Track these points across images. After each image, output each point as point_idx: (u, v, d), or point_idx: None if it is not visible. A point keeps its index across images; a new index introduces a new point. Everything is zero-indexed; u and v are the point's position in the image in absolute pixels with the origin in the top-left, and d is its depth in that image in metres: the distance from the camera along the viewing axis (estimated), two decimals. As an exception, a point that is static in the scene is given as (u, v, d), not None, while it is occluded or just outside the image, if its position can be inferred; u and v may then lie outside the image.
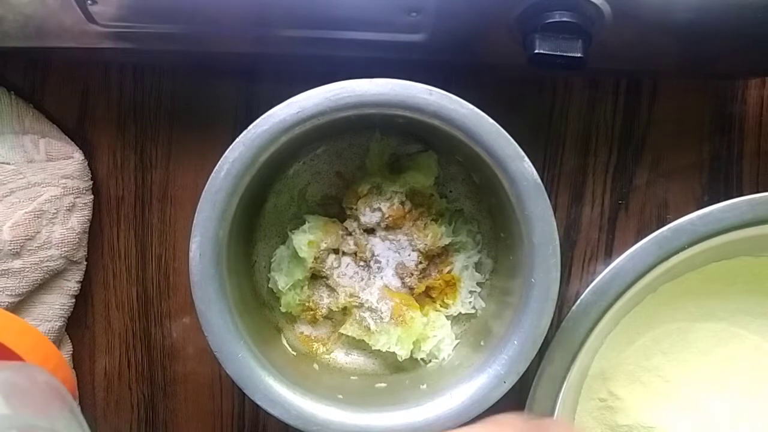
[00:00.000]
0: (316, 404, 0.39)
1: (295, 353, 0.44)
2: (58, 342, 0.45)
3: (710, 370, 0.44)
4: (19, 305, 0.43)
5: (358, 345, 0.45)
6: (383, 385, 0.43)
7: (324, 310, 0.44)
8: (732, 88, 0.46)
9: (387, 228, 0.43)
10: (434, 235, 0.43)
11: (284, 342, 0.45)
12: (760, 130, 0.46)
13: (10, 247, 0.41)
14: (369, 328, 0.43)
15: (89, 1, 0.36)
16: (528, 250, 0.38)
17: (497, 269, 0.45)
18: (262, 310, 0.45)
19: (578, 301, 0.40)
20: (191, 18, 0.37)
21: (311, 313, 0.44)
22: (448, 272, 0.44)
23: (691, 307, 0.44)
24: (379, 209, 0.42)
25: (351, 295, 0.43)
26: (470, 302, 0.44)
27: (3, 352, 0.35)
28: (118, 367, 0.47)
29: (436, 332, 0.43)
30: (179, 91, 0.45)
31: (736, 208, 0.39)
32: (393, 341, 0.43)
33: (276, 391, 0.38)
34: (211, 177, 0.37)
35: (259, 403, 0.38)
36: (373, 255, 0.43)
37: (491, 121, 0.37)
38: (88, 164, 0.45)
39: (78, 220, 0.44)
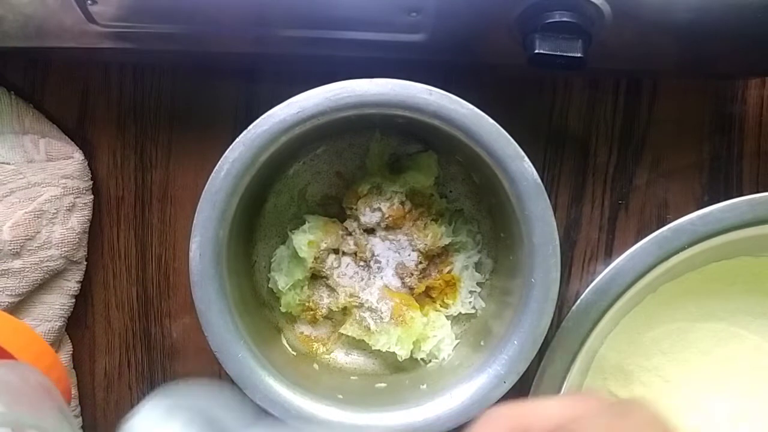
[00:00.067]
0: (316, 404, 0.39)
1: (295, 353, 0.44)
2: (58, 342, 0.45)
3: (710, 370, 0.44)
4: (19, 305, 0.43)
5: (358, 345, 0.45)
6: (383, 385, 0.43)
7: (324, 310, 0.44)
8: (732, 88, 0.46)
9: (387, 228, 0.43)
10: (434, 235, 0.43)
11: (284, 342, 0.45)
12: (760, 130, 0.46)
13: (10, 247, 0.41)
14: (369, 328, 0.43)
15: (89, 1, 0.36)
16: (528, 250, 0.38)
17: (497, 269, 0.45)
18: (262, 310, 0.45)
19: (578, 301, 0.40)
20: (191, 18, 0.37)
21: (311, 313, 0.44)
22: (448, 272, 0.44)
23: (691, 307, 0.44)
24: (379, 209, 0.42)
25: (351, 295, 0.43)
26: (470, 302, 0.44)
27: None
28: (118, 367, 0.47)
29: (436, 332, 0.43)
30: (179, 91, 0.45)
31: (736, 208, 0.39)
32: (393, 341, 0.43)
33: (276, 391, 0.38)
34: (211, 177, 0.37)
35: (259, 403, 0.38)
36: (373, 255, 0.43)
37: (491, 121, 0.37)
38: (88, 164, 0.45)
39: (78, 220, 0.44)
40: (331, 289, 0.44)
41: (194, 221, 0.37)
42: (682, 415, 0.44)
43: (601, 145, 0.46)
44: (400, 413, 0.39)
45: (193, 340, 0.47)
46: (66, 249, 0.43)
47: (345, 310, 0.44)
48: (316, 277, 0.44)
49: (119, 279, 0.47)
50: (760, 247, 0.42)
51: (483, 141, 0.37)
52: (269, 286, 0.44)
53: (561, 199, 0.46)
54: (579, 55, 0.34)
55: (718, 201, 0.40)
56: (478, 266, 0.45)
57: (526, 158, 0.37)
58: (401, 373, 0.44)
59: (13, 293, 0.42)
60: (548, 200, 0.37)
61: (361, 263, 0.43)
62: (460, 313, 0.44)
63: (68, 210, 0.44)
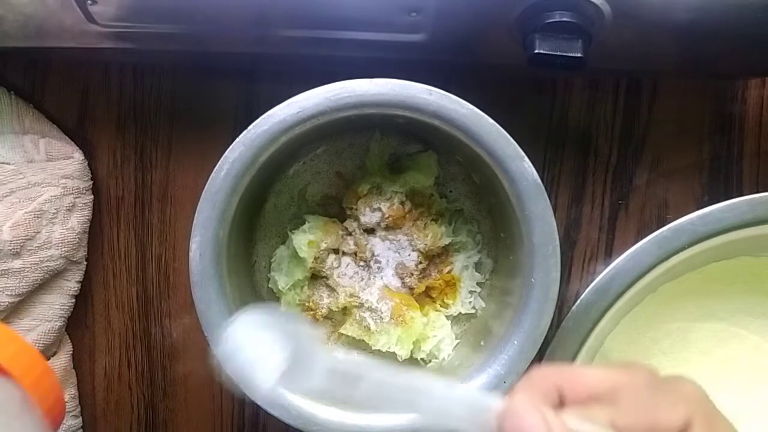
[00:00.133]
0: (316, 404, 0.39)
1: (295, 353, 0.44)
2: (57, 342, 0.45)
3: (710, 370, 0.44)
4: (19, 305, 0.43)
5: (358, 345, 0.45)
6: (383, 385, 0.43)
7: (324, 310, 0.44)
8: (732, 88, 0.46)
9: (387, 228, 0.43)
10: (434, 235, 0.43)
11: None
12: (760, 130, 0.46)
13: (10, 247, 0.41)
14: (369, 328, 0.43)
15: (89, 1, 0.36)
16: (528, 250, 0.38)
17: (497, 269, 0.45)
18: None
19: (578, 301, 0.40)
20: (191, 18, 0.37)
21: (311, 313, 0.44)
22: (448, 272, 0.44)
23: (691, 307, 0.44)
24: (379, 209, 0.42)
25: (351, 295, 0.43)
26: (470, 302, 0.44)
27: None
28: (118, 367, 0.47)
29: (436, 332, 0.43)
30: (179, 91, 0.45)
31: (736, 208, 0.39)
32: (393, 341, 0.43)
33: (276, 391, 0.38)
34: (211, 177, 0.37)
35: (259, 403, 0.38)
36: (373, 255, 0.43)
37: (491, 121, 0.37)
38: (88, 164, 0.45)
39: (78, 220, 0.44)
40: (331, 289, 0.44)
41: (194, 221, 0.37)
42: (682, 415, 0.44)
43: (601, 145, 0.46)
44: (400, 413, 0.39)
45: (193, 340, 0.47)
46: (66, 249, 0.43)
47: (345, 310, 0.44)
48: (316, 277, 0.44)
49: (119, 279, 0.47)
50: (760, 247, 0.42)
51: (483, 141, 0.37)
52: (269, 286, 0.44)
53: (561, 199, 0.46)
54: (579, 55, 0.34)
55: (718, 201, 0.40)
56: (478, 266, 0.45)
57: (526, 158, 0.37)
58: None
59: (13, 293, 0.42)
60: (548, 200, 0.37)
61: (361, 263, 0.43)
62: (460, 313, 0.44)
63: (68, 210, 0.44)
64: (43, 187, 0.43)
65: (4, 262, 0.42)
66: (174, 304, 0.47)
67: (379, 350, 0.43)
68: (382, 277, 0.43)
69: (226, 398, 0.47)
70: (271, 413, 0.38)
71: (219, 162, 0.37)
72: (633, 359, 0.44)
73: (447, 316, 0.44)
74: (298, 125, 0.37)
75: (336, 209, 0.45)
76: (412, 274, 0.43)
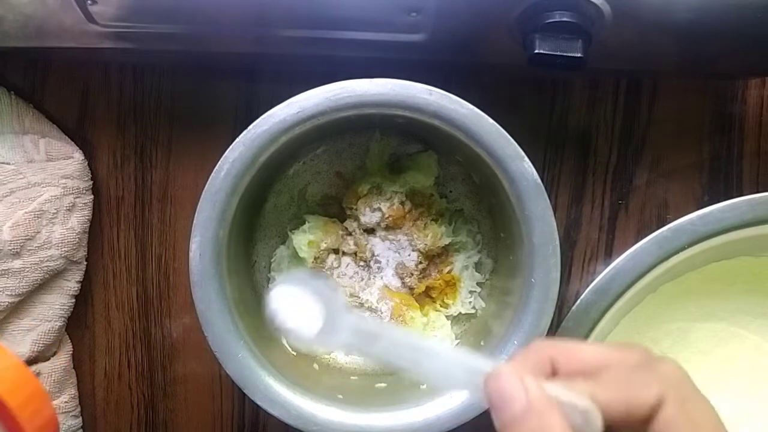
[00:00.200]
0: (316, 404, 0.39)
1: (295, 353, 0.44)
2: (57, 342, 0.45)
3: (710, 370, 0.44)
4: (19, 305, 0.43)
5: (358, 345, 0.45)
6: (383, 385, 0.43)
7: (324, 310, 0.44)
8: (732, 88, 0.46)
9: (387, 228, 0.43)
10: (434, 235, 0.43)
11: (284, 342, 0.45)
12: (760, 130, 0.46)
13: (10, 247, 0.41)
14: (369, 328, 0.43)
15: (89, 1, 0.36)
16: (528, 250, 0.38)
17: (497, 269, 0.45)
18: (262, 310, 0.45)
19: (578, 301, 0.40)
20: (191, 18, 0.37)
21: (311, 313, 0.44)
22: (448, 272, 0.44)
23: (691, 307, 0.44)
24: (379, 209, 0.42)
25: (351, 295, 0.43)
26: (470, 302, 0.44)
27: None
28: (118, 367, 0.47)
29: (436, 332, 0.43)
30: (179, 91, 0.45)
31: (736, 208, 0.39)
32: (393, 341, 0.43)
33: (276, 391, 0.38)
34: (211, 177, 0.37)
35: (259, 403, 0.38)
36: (373, 255, 0.43)
37: (491, 121, 0.37)
38: (88, 164, 0.45)
39: (78, 220, 0.44)
40: (331, 289, 0.44)
41: (194, 221, 0.37)
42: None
43: (601, 145, 0.46)
44: (400, 413, 0.39)
45: (193, 340, 0.47)
46: (66, 249, 0.43)
47: (345, 310, 0.44)
48: (316, 277, 0.44)
49: (119, 279, 0.47)
50: (760, 247, 0.42)
51: (483, 141, 0.37)
52: (269, 286, 0.44)
53: (561, 199, 0.46)
54: (579, 55, 0.34)
55: (718, 201, 0.40)
56: (478, 266, 0.45)
57: (526, 158, 0.37)
58: (401, 373, 0.44)
59: (13, 293, 0.42)
60: (548, 200, 0.37)
61: (361, 263, 0.43)
62: (460, 313, 0.44)
63: (68, 210, 0.44)
64: (43, 187, 0.43)
65: (4, 262, 0.42)
66: (174, 304, 0.47)
67: (379, 350, 0.43)
68: (382, 277, 0.43)
69: (226, 398, 0.47)
70: (271, 413, 0.38)
71: (219, 162, 0.37)
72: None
73: (447, 316, 0.44)
74: (298, 125, 0.37)
75: (336, 209, 0.45)
76: (412, 274, 0.43)
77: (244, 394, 0.38)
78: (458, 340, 0.44)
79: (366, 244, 0.43)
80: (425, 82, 0.37)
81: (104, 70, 0.45)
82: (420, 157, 0.44)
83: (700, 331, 0.44)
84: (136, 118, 0.46)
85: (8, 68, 0.45)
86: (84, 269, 0.45)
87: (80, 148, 0.45)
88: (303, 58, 0.42)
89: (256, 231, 0.45)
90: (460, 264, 0.44)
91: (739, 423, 0.44)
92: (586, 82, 0.45)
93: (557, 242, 0.37)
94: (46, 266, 0.43)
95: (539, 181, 0.37)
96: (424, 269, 0.44)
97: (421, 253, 0.43)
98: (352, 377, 0.45)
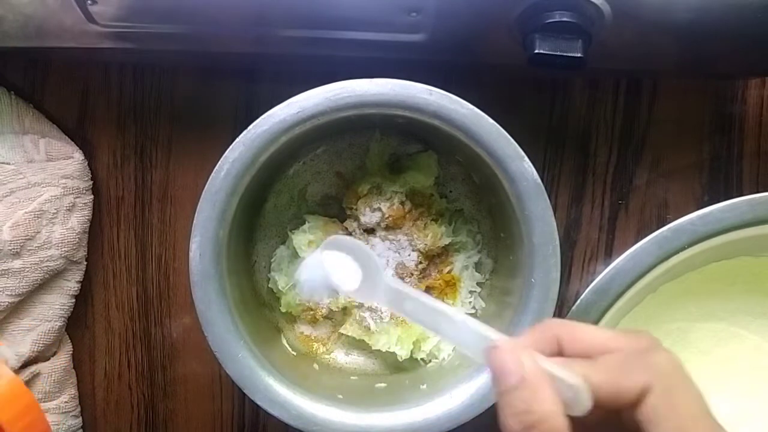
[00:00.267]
0: (316, 404, 0.39)
1: (295, 353, 0.44)
2: (57, 342, 0.45)
3: (710, 370, 0.44)
4: (19, 305, 0.43)
5: (358, 345, 0.45)
6: (383, 385, 0.43)
7: (324, 310, 0.44)
8: (732, 88, 0.46)
9: (387, 228, 0.43)
10: (434, 235, 0.43)
11: (284, 342, 0.45)
12: (760, 130, 0.46)
13: (10, 247, 0.41)
14: (369, 328, 0.43)
15: (89, 1, 0.36)
16: (528, 250, 0.38)
17: (497, 269, 0.45)
18: (262, 310, 0.45)
19: (578, 301, 0.40)
20: (191, 18, 0.37)
21: (311, 313, 0.44)
22: (448, 272, 0.44)
23: (691, 307, 0.44)
24: (379, 209, 0.42)
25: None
26: (470, 302, 0.44)
27: None
28: (118, 368, 0.47)
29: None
30: (179, 91, 0.45)
31: (736, 208, 0.39)
32: (393, 341, 0.43)
33: (276, 391, 0.38)
34: (211, 177, 0.37)
35: (259, 403, 0.38)
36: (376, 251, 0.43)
37: (491, 121, 0.37)
38: (88, 164, 0.45)
39: (78, 220, 0.44)
40: (331, 289, 0.44)
41: (194, 221, 0.37)
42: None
43: (601, 145, 0.46)
44: (400, 413, 0.39)
45: (193, 340, 0.47)
46: (66, 249, 0.43)
47: (345, 310, 0.44)
48: (316, 277, 0.44)
49: (119, 279, 0.47)
50: (760, 247, 0.42)
51: (483, 141, 0.37)
52: (269, 286, 0.44)
53: (561, 199, 0.46)
54: (579, 55, 0.34)
55: (718, 201, 0.40)
56: (478, 266, 0.45)
57: (526, 158, 0.37)
58: (401, 373, 0.44)
59: (13, 293, 0.42)
60: (548, 200, 0.37)
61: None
62: (460, 313, 0.44)
63: (68, 210, 0.44)
64: (43, 187, 0.43)
65: (4, 262, 0.42)
66: (174, 304, 0.47)
67: (379, 350, 0.43)
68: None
69: (226, 398, 0.47)
70: (271, 413, 0.38)
71: (219, 162, 0.37)
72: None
73: (447, 316, 0.44)
74: (298, 125, 0.37)
75: (336, 209, 0.45)
76: (412, 274, 0.43)
77: (244, 394, 0.38)
78: (458, 340, 0.44)
79: (366, 244, 0.43)
80: (425, 82, 0.37)
81: (104, 70, 0.45)
82: (420, 157, 0.44)
83: (700, 331, 0.44)
84: (136, 118, 0.46)
85: (8, 68, 0.45)
86: (84, 269, 0.45)
87: (80, 148, 0.45)
88: (303, 58, 0.42)
89: (256, 231, 0.45)
90: (460, 264, 0.44)
91: (739, 423, 0.44)
92: (586, 82, 0.45)
93: (557, 242, 0.37)
94: (46, 266, 0.43)
95: (539, 181, 0.37)
96: (424, 269, 0.44)
97: (421, 253, 0.43)
98: (352, 377, 0.45)
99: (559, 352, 0.28)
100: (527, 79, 0.45)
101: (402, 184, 0.43)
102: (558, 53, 0.34)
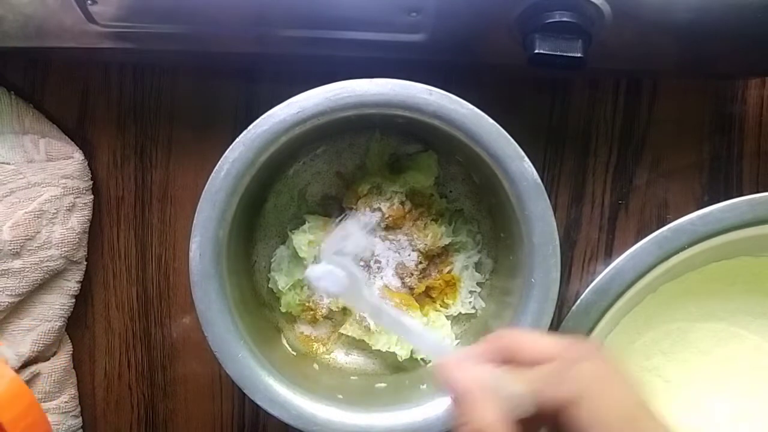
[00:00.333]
0: (316, 404, 0.39)
1: (295, 353, 0.44)
2: (57, 342, 0.45)
3: (710, 370, 0.44)
4: (19, 305, 0.43)
5: (358, 345, 0.45)
6: (383, 385, 0.43)
7: (324, 310, 0.44)
8: (732, 88, 0.46)
9: (387, 228, 0.43)
10: (434, 235, 0.43)
11: (284, 342, 0.45)
12: (760, 130, 0.46)
13: (10, 247, 0.41)
14: (369, 328, 0.43)
15: (89, 1, 0.36)
16: (528, 250, 0.38)
17: (497, 269, 0.45)
18: (262, 310, 0.45)
19: (578, 301, 0.40)
20: (191, 18, 0.37)
21: (311, 313, 0.44)
22: (448, 272, 0.44)
23: (691, 307, 0.44)
24: (379, 209, 0.42)
25: (351, 295, 0.43)
26: (470, 302, 0.44)
27: None
28: (118, 367, 0.47)
29: (436, 332, 0.43)
30: (179, 91, 0.45)
31: (736, 208, 0.39)
32: (393, 341, 0.43)
33: (276, 391, 0.38)
34: (211, 177, 0.37)
35: (259, 403, 0.38)
36: (373, 255, 0.43)
37: (491, 121, 0.37)
38: (88, 164, 0.45)
39: (78, 220, 0.44)
40: (331, 289, 0.44)
41: (194, 221, 0.37)
42: (682, 415, 0.44)
43: (601, 145, 0.46)
44: (400, 413, 0.39)
45: (193, 340, 0.47)
46: (66, 249, 0.43)
47: (345, 310, 0.44)
48: (316, 277, 0.44)
49: (119, 279, 0.47)
50: (760, 247, 0.42)
51: (483, 141, 0.37)
52: (269, 286, 0.44)
53: (561, 199, 0.46)
54: (579, 55, 0.34)
55: (718, 201, 0.40)
56: (478, 266, 0.45)
57: (526, 158, 0.37)
58: (401, 373, 0.44)
59: (13, 293, 0.42)
60: (548, 200, 0.37)
61: (361, 263, 0.43)
62: (460, 313, 0.44)
63: (68, 210, 0.44)
64: (43, 187, 0.43)
65: (4, 262, 0.42)
66: (174, 304, 0.47)
67: (379, 350, 0.43)
68: (382, 277, 0.43)
69: (226, 398, 0.47)
70: (271, 413, 0.38)
71: (219, 162, 0.37)
72: (633, 359, 0.44)
73: (447, 316, 0.44)
74: (298, 125, 0.37)
75: (336, 209, 0.45)
76: (412, 274, 0.43)
77: (244, 394, 0.38)
78: (458, 340, 0.44)
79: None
80: (425, 82, 0.37)
81: (104, 70, 0.45)
82: (420, 157, 0.44)
83: (700, 331, 0.44)
84: (136, 118, 0.46)
85: (8, 68, 0.45)
86: (84, 269, 0.45)
87: (80, 148, 0.45)
88: (303, 58, 0.42)
89: (256, 231, 0.45)
90: (460, 264, 0.44)
91: (739, 423, 0.44)
92: (586, 82, 0.45)
93: (557, 242, 0.37)
94: (46, 266, 0.43)
95: (539, 181, 0.37)
96: (424, 269, 0.44)
97: (421, 253, 0.43)
98: (352, 377, 0.45)
99: (511, 361, 0.29)
100: (527, 79, 0.45)
101: (402, 184, 0.42)
102: (558, 53, 0.34)
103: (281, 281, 0.43)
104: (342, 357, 0.45)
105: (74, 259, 0.44)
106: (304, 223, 0.43)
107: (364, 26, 0.37)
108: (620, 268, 0.40)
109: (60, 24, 0.37)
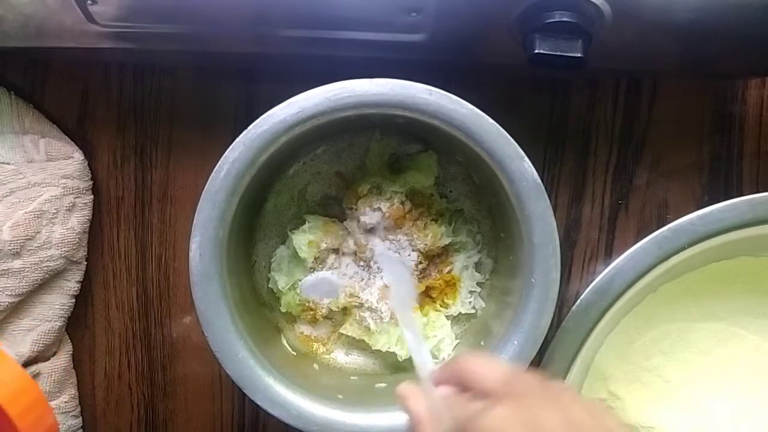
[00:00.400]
0: (316, 404, 0.39)
1: (295, 353, 0.44)
2: (57, 342, 0.45)
3: (710, 370, 0.44)
4: (19, 305, 0.43)
5: (358, 345, 0.45)
6: (383, 385, 0.43)
7: (324, 310, 0.44)
8: (732, 88, 0.46)
9: (387, 228, 0.43)
10: (434, 235, 0.43)
11: (284, 342, 0.45)
12: (760, 130, 0.46)
13: (10, 247, 0.41)
14: (369, 328, 0.43)
15: (89, 1, 0.36)
16: (528, 250, 0.38)
17: (497, 269, 0.45)
18: (262, 310, 0.45)
19: (578, 301, 0.40)
20: (191, 18, 0.37)
21: (311, 313, 0.44)
22: (448, 272, 0.44)
23: (691, 307, 0.44)
24: (379, 209, 0.42)
25: (351, 295, 0.43)
26: (470, 302, 0.44)
27: None
28: (118, 367, 0.47)
29: (436, 332, 0.43)
30: (179, 91, 0.45)
31: (736, 208, 0.39)
32: (393, 341, 0.43)
33: (276, 391, 0.38)
34: (211, 177, 0.37)
35: (259, 403, 0.38)
36: (373, 255, 0.43)
37: (491, 121, 0.37)
38: (88, 164, 0.45)
39: (78, 220, 0.44)
40: (331, 289, 0.44)
41: (194, 221, 0.37)
42: (682, 415, 0.44)
43: (601, 145, 0.46)
44: (400, 413, 0.39)
45: (193, 340, 0.47)
46: (66, 249, 0.43)
47: (345, 310, 0.44)
48: (316, 277, 0.44)
49: (119, 279, 0.47)
50: (760, 247, 0.42)
51: (483, 141, 0.37)
52: (269, 286, 0.44)
53: (561, 199, 0.46)
54: (579, 55, 0.34)
55: (718, 201, 0.40)
56: (478, 266, 0.45)
57: (526, 158, 0.37)
58: (401, 373, 0.44)
59: (13, 293, 0.42)
60: (548, 200, 0.37)
61: (361, 263, 0.43)
62: (460, 313, 0.44)
63: (68, 210, 0.44)
64: (43, 187, 0.43)
65: (4, 262, 0.42)
66: (174, 304, 0.47)
67: (379, 350, 0.43)
68: (382, 277, 0.43)
69: (226, 398, 0.47)
70: (271, 413, 0.38)
71: (219, 162, 0.37)
72: (633, 359, 0.44)
73: (447, 316, 0.44)
74: (298, 125, 0.37)
75: (336, 209, 0.45)
76: (412, 274, 0.43)
77: (244, 394, 0.38)
78: (458, 340, 0.44)
79: (366, 244, 0.43)
80: (425, 82, 0.37)
81: (104, 70, 0.45)
82: (420, 157, 0.44)
83: (700, 331, 0.44)
84: (136, 118, 0.46)
85: (8, 68, 0.45)
86: (84, 269, 0.45)
87: (80, 148, 0.45)
88: (303, 58, 0.42)
89: (256, 231, 0.45)
90: (460, 264, 0.44)
91: (739, 423, 0.44)
92: (586, 82, 0.45)
93: (557, 242, 0.37)
94: (46, 266, 0.43)
95: (539, 181, 0.37)
96: (424, 269, 0.44)
97: (421, 253, 0.43)
98: (352, 377, 0.45)
99: (467, 388, 0.30)
100: (527, 79, 0.45)
101: (402, 184, 0.43)
102: (558, 53, 0.34)
103: (281, 281, 0.43)
104: (342, 357, 0.45)
105: (74, 259, 0.44)
106: (304, 223, 0.43)
107: (364, 26, 0.37)
108: (620, 268, 0.40)
109: (60, 24, 0.37)
